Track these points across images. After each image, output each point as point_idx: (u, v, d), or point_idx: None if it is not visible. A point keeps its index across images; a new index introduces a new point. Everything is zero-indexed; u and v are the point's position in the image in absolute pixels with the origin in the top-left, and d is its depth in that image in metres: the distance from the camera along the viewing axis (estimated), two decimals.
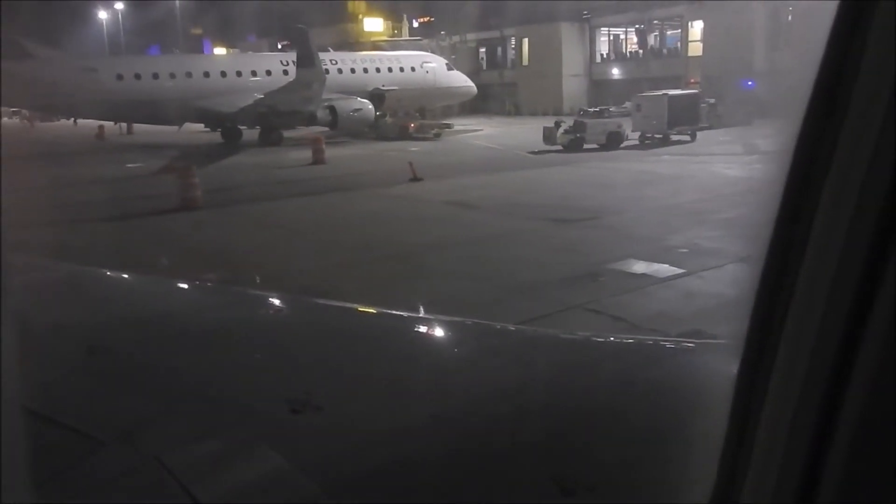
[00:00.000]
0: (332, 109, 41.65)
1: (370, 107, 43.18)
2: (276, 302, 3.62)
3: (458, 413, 2.02)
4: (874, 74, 0.83)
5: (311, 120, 41.90)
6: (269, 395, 2.15)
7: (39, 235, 17.53)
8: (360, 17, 63.85)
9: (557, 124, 34.04)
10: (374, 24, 64.61)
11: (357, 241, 16.33)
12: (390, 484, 1.68)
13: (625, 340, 2.99)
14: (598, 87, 62.02)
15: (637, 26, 62.65)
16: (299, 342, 2.74)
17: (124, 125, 53.99)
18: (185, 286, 4.26)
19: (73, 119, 72.47)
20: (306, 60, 36.70)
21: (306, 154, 34.14)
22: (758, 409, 0.96)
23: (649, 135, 34.29)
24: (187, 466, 1.71)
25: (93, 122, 54.54)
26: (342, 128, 42.18)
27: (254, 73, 44.51)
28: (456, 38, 70.29)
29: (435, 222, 18.20)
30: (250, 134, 43.35)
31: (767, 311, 0.95)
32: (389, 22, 68.31)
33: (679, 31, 59.76)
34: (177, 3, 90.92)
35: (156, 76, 41.96)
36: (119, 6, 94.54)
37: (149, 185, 26.65)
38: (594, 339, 2.97)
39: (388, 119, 46.05)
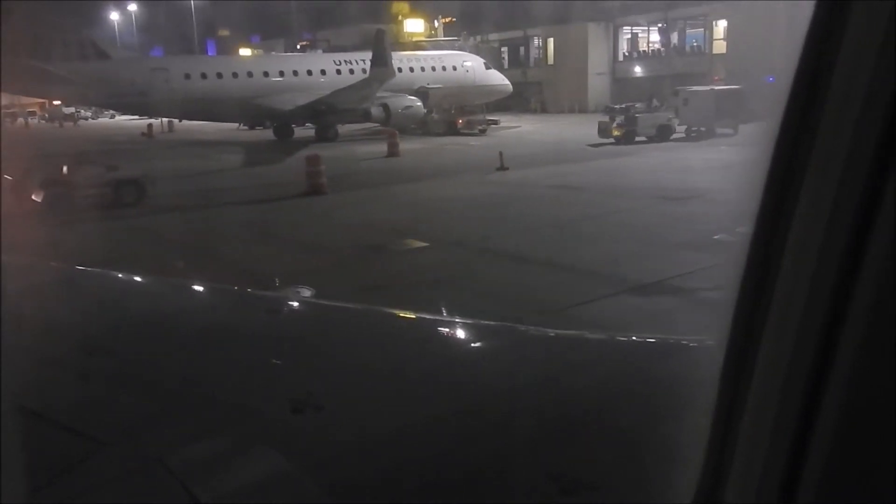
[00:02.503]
0: (386, 107, 44.07)
1: (419, 104, 45.63)
2: (277, 302, 3.65)
3: (456, 412, 2.04)
4: (850, 73, 0.84)
5: (367, 116, 44.42)
6: (270, 395, 2.17)
7: (214, 218, 20.03)
8: (401, 18, 66.40)
9: (612, 118, 36.65)
10: (415, 26, 67.26)
11: (501, 216, 18.81)
12: (391, 484, 1.71)
13: (617, 339, 3.02)
14: (622, 85, 64.48)
15: (660, 25, 65.19)
16: (300, 342, 2.77)
17: (159, 123, 56.40)
18: (185, 287, 4.34)
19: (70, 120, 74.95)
20: (381, 60, 39.20)
21: (371, 148, 36.55)
22: (741, 408, 0.97)
23: (695, 128, 36.90)
24: (189, 467, 1.75)
25: (99, 123, 55.86)
26: (394, 124, 44.47)
27: (309, 73, 46.88)
28: (478, 38, 72.75)
29: (554, 202, 20.69)
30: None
31: (749, 312, 0.96)
32: (427, 23, 71.05)
33: (700, 29, 62.44)
34: (191, 3, 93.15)
35: (220, 76, 44.33)
36: (132, 7, 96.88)
37: (256, 176, 29.10)
38: (589, 337, 3.05)
39: (434, 115, 48.48)
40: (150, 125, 55.54)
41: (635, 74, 65.02)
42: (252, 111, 45.07)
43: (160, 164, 33.63)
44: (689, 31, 64.54)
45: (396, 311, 3.30)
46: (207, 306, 3.52)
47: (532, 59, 72.86)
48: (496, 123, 47.39)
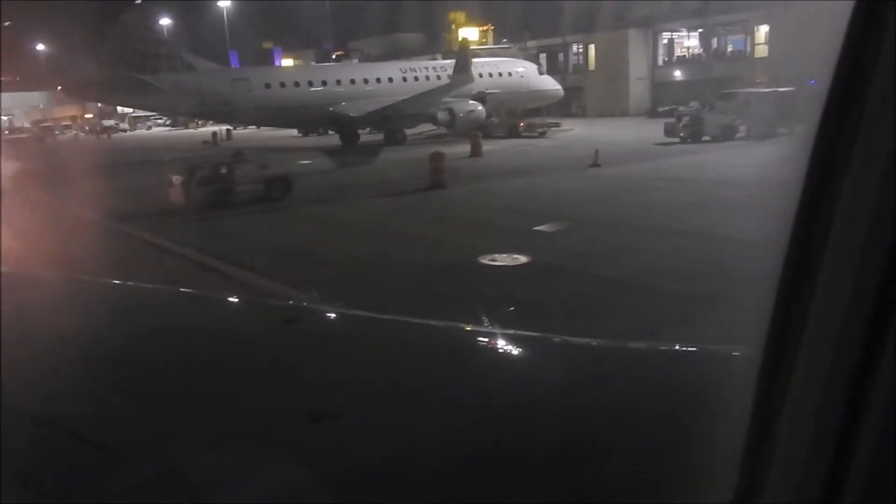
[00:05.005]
0: (451, 111, 46.68)
1: (481, 108, 48.17)
2: (294, 311, 3.65)
3: (474, 421, 2.05)
4: (890, 73, 0.84)
5: (433, 121, 47.09)
6: (287, 404, 2.19)
7: (368, 207, 22.53)
8: (454, 27, 69.31)
9: (679, 119, 39.13)
10: (470, 34, 70.08)
11: (624, 202, 21.14)
12: (408, 492, 1.73)
13: (640, 346, 3.04)
14: (662, 89, 66.82)
15: (700, 30, 67.49)
16: (317, 351, 2.80)
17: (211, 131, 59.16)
18: (200, 297, 4.45)
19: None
20: (462, 67, 41.91)
21: (447, 149, 38.70)
22: (779, 410, 0.96)
23: (755, 128, 39.21)
24: (205, 477, 1.77)
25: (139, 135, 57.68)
26: (458, 128, 47.00)
27: (378, 80, 49.69)
28: (517, 45, 75.31)
29: (664, 191, 23.00)
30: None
31: (787, 315, 0.96)
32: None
33: (740, 35, 64.72)
34: (223, 15, 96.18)
35: (297, 84, 47.16)
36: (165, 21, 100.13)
37: (366, 174, 31.63)
38: (609, 345, 3.00)
39: (494, 119, 51.00)
40: (214, 133, 58.58)
41: (675, 79, 67.27)
42: (326, 118, 47.85)
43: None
44: (728, 36, 66.81)
45: (415, 320, 3.28)
46: (223, 316, 3.56)
47: (571, 65, 75.32)
48: (557, 126, 49.85)
